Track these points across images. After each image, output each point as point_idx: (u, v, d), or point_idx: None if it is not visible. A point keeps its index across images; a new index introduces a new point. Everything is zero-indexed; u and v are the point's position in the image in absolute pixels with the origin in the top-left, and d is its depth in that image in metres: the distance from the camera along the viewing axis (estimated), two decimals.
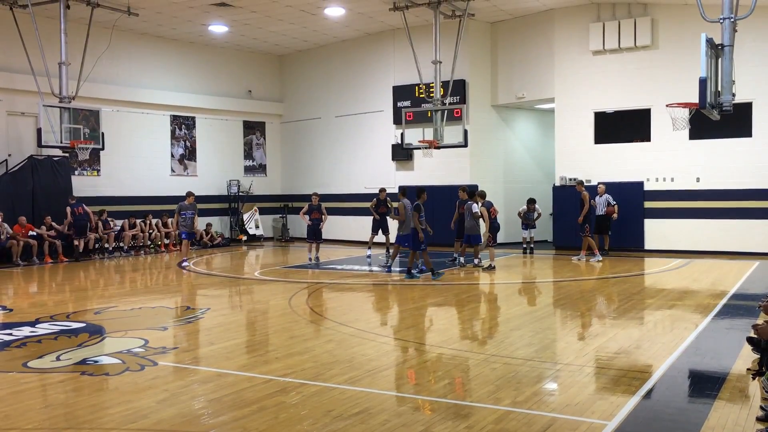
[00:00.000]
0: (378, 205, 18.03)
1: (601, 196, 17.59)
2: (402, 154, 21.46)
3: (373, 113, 22.86)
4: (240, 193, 23.97)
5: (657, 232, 18.46)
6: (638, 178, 18.61)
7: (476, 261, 15.57)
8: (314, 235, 16.97)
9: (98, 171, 20.76)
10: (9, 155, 18.66)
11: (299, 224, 25.02)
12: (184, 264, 17.14)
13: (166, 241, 21.02)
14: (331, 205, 22.85)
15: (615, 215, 17.63)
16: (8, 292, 13.02)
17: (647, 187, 18.53)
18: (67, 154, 18.63)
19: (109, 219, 19.80)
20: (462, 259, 16.00)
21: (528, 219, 18.68)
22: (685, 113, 13.14)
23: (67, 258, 18.18)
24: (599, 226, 17.55)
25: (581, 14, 19.27)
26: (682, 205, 18.09)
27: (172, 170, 22.69)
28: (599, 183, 18.30)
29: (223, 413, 5.61)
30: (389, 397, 6.14)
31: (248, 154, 25.05)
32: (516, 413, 5.49)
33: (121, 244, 19.96)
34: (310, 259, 16.99)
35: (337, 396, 6.02)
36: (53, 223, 18.28)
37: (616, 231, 18.38)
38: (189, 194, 17.12)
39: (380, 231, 18.06)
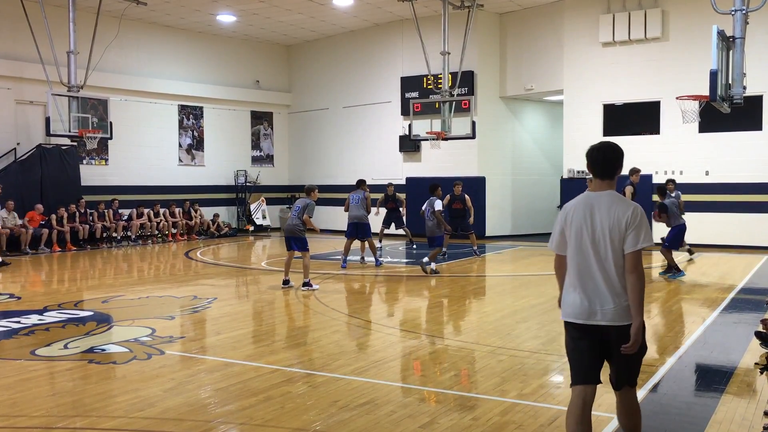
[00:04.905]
0: (386, 201, 18.01)
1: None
2: (409, 145, 21.42)
3: (380, 104, 22.82)
4: (247, 184, 23.99)
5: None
6: (647, 170, 18.43)
7: (432, 265, 13.30)
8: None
9: (106, 160, 20.81)
10: (18, 144, 18.73)
11: None
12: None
13: (174, 231, 21.08)
14: (339, 196, 22.87)
15: None
16: (17, 280, 13.08)
17: (656, 180, 18.40)
18: (75, 143, 18.68)
19: (105, 210, 19.87)
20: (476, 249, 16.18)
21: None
22: (695, 106, 13.08)
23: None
24: None
25: (591, 5, 19.13)
26: (691, 198, 17.95)
27: (180, 160, 22.72)
28: (587, 177, 18.43)
29: (229, 402, 5.63)
30: (395, 388, 6.14)
31: (256, 145, 25.05)
32: (522, 405, 5.48)
33: (129, 233, 20.03)
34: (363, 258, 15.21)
35: (343, 386, 6.02)
36: (65, 214, 18.39)
37: None
38: (360, 182, 14.44)
39: (392, 225, 18.07)
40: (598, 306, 3.92)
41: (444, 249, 16.01)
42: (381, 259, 14.69)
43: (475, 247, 16.26)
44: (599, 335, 3.96)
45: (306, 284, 11.38)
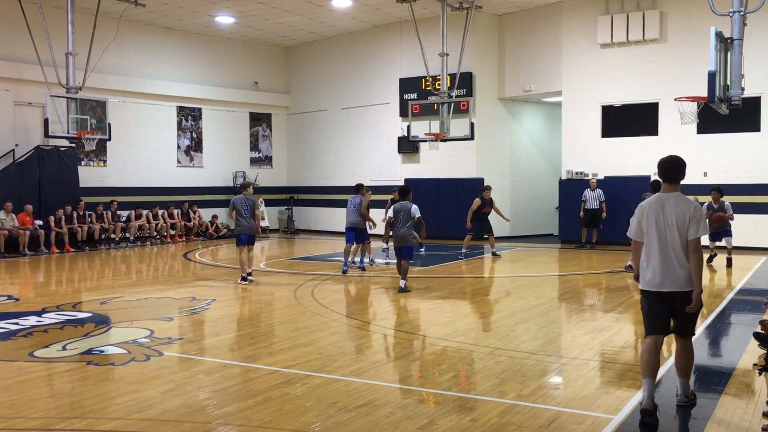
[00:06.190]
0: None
1: (593, 190, 18.06)
2: (408, 146, 21.43)
3: (379, 105, 22.82)
4: None
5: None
6: (645, 172, 18.49)
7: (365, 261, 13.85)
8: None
9: (105, 162, 20.80)
10: (16, 145, 18.72)
11: (304, 216, 25.04)
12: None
13: (172, 232, 21.06)
14: (337, 197, 22.88)
15: (604, 214, 18.21)
16: (15, 282, 13.07)
17: None
18: (74, 145, 18.67)
19: (103, 212, 19.85)
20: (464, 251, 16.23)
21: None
22: (693, 107, 13.09)
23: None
24: (590, 219, 18.13)
25: (589, 7, 19.15)
26: None
27: (179, 161, 22.71)
28: (592, 177, 18.65)
29: (228, 404, 5.62)
30: (394, 389, 6.14)
31: (254, 146, 25.04)
32: (521, 407, 5.48)
33: (127, 235, 20.01)
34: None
35: (341, 388, 6.02)
36: (63, 215, 18.36)
37: (624, 224, 18.39)
38: (358, 187, 14.08)
39: None
40: (667, 278, 5.26)
41: (463, 250, 16.14)
42: (368, 263, 14.62)
43: (494, 249, 16.45)
44: (667, 299, 5.29)
45: (250, 274, 12.58)
